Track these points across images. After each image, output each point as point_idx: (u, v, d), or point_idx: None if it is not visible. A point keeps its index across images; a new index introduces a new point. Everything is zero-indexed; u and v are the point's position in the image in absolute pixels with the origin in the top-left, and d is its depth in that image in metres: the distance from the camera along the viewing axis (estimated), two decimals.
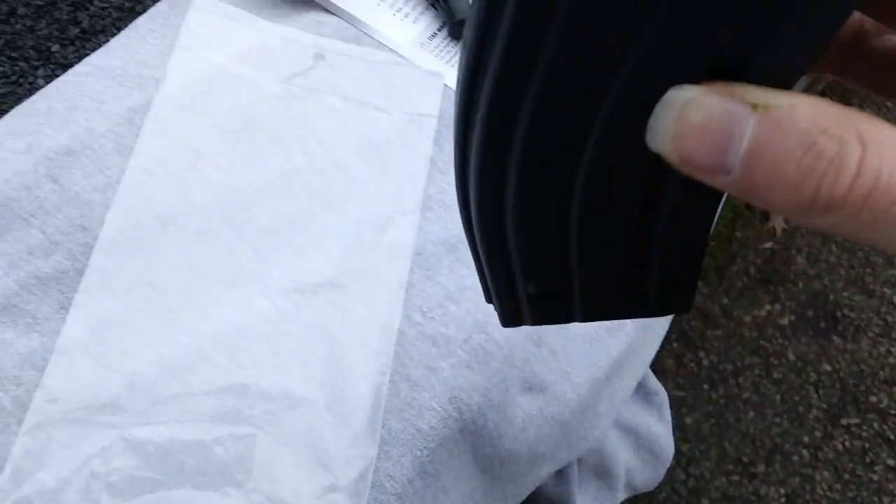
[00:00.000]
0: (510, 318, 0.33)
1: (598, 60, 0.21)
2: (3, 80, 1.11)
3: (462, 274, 0.46)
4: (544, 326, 0.47)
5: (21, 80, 1.10)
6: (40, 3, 1.26)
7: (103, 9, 1.27)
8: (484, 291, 0.33)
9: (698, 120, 0.20)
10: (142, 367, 0.41)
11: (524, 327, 0.38)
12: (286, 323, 0.43)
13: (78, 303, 0.42)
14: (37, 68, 1.12)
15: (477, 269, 0.31)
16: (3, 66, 1.13)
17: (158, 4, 0.64)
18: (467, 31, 0.22)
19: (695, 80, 0.21)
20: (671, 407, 0.74)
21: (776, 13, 0.20)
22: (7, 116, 0.57)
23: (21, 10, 1.22)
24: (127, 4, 1.29)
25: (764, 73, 0.21)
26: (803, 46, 0.21)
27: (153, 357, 0.41)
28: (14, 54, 1.16)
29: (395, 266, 0.45)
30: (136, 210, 0.46)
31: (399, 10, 0.60)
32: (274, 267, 0.45)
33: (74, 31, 1.19)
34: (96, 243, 0.45)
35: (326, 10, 0.59)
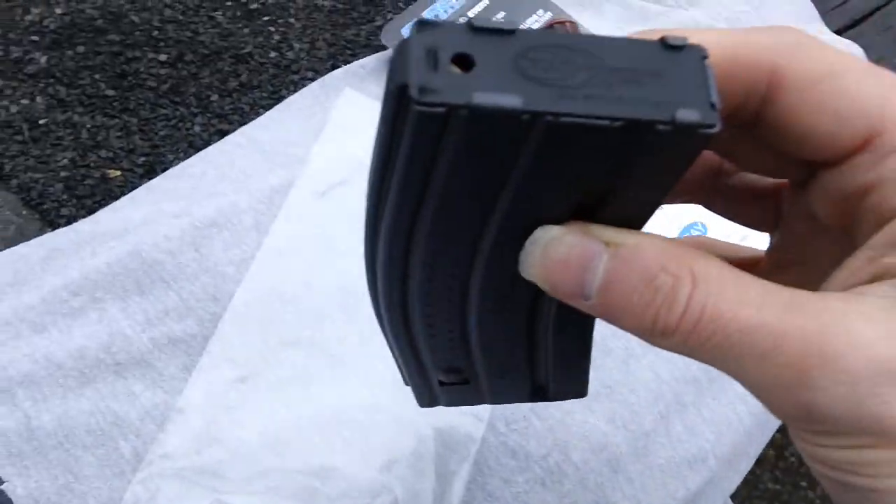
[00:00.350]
0: (426, 400, 0.38)
1: (475, 204, 0.24)
2: (164, 123, 1.22)
3: None
4: (626, 453, 0.49)
5: (180, 125, 1.21)
6: (206, 52, 1.37)
7: (262, 64, 1.37)
8: (401, 376, 0.37)
9: (560, 256, 0.24)
10: (246, 436, 0.45)
11: (605, 455, 0.41)
12: (380, 413, 0.46)
13: (200, 367, 0.47)
14: (196, 115, 1.22)
15: (393, 356, 0.35)
16: (166, 110, 1.23)
17: (312, 84, 0.69)
18: (370, 172, 0.25)
19: (559, 220, 0.24)
20: (765, 499, 0.73)
21: (625, 168, 0.23)
22: (164, 176, 0.62)
23: (188, 57, 1.33)
24: (283, 63, 1.39)
25: (618, 214, 0.24)
26: (650, 195, 0.24)
27: (258, 428, 0.45)
28: (177, 99, 1.27)
29: None
30: (263, 287, 0.50)
31: None
32: (377, 357, 0.48)
33: (234, 83, 1.29)
34: (224, 314, 0.49)
35: None
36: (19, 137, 1.19)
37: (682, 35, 0.22)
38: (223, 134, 1.24)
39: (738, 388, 0.29)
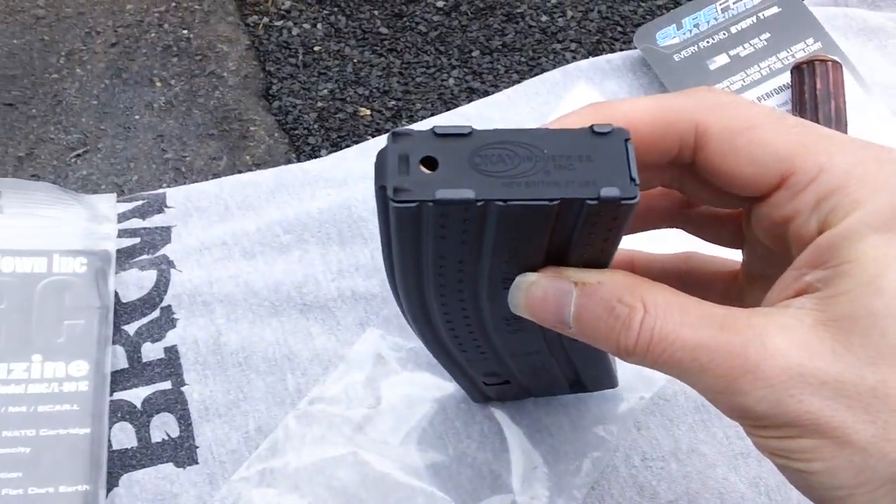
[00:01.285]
0: (477, 398, 0.47)
1: (463, 266, 0.30)
2: (423, 70, 1.27)
3: (699, 438, 0.48)
4: None
5: (437, 75, 1.25)
6: (482, 6, 1.40)
7: (530, 27, 1.38)
8: (454, 379, 0.45)
9: (539, 295, 0.30)
10: (395, 401, 0.48)
11: None
12: (531, 403, 0.48)
13: (373, 327, 0.51)
14: (454, 67, 1.26)
15: (443, 365, 0.42)
16: (429, 57, 1.28)
17: (554, 71, 0.69)
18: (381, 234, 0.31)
19: (535, 266, 0.30)
20: None
21: (574, 229, 0.28)
22: (360, 147, 0.64)
23: (463, 7, 1.37)
24: (551, 29, 1.39)
25: (582, 257, 0.30)
26: (603, 244, 0.30)
27: (403, 394, 0.48)
28: (441, 48, 1.31)
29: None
30: None
31: None
32: None
33: (498, 42, 1.31)
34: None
35: None
36: (293, 60, 1.29)
37: (608, 122, 0.27)
38: (473, 91, 1.27)
39: None
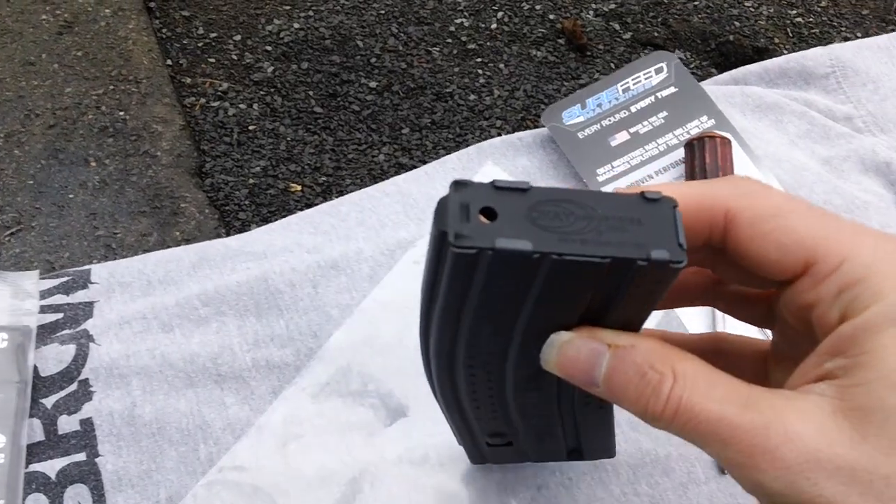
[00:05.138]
0: (476, 458, 0.48)
1: (503, 317, 0.31)
2: (355, 147, 1.32)
3: (597, 495, 0.50)
4: None
5: (367, 151, 1.30)
6: (413, 86, 1.46)
7: (459, 105, 1.44)
8: (454, 436, 0.46)
9: (572, 354, 0.31)
10: (306, 469, 0.50)
11: None
12: (427, 475, 0.50)
13: (285, 395, 0.52)
14: (384, 144, 1.31)
15: (447, 421, 0.43)
16: (361, 134, 1.33)
17: (469, 148, 0.73)
18: (423, 282, 0.32)
19: (570, 324, 0.31)
20: None
21: (617, 290, 0.29)
22: (317, 209, 0.68)
23: (395, 87, 1.43)
24: (479, 107, 1.45)
25: (617, 319, 0.31)
26: (640, 308, 0.31)
27: (318, 464, 0.50)
28: (373, 126, 1.36)
29: None
30: (359, 335, 0.55)
31: None
32: (442, 422, 0.52)
33: (427, 119, 1.37)
34: (319, 351, 0.54)
35: None
36: (227, 139, 1.33)
37: (658, 190, 0.29)
38: (402, 166, 1.31)
39: None
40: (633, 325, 0.32)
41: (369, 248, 0.61)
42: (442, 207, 0.28)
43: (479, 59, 1.58)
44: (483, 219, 0.27)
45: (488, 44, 1.62)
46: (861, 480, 0.27)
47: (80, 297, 0.59)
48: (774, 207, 0.32)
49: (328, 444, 0.51)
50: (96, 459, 0.51)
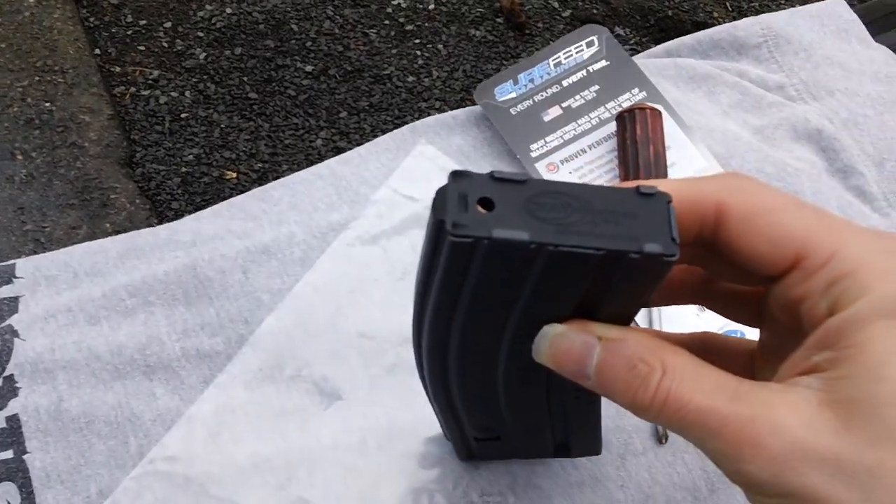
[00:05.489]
0: (463, 454, 0.48)
1: (497, 307, 0.31)
2: (292, 132, 1.30)
3: (537, 471, 0.50)
4: None
5: (304, 137, 1.28)
6: (350, 69, 1.44)
7: (397, 87, 1.43)
8: (443, 432, 0.47)
9: (565, 346, 0.32)
10: (239, 457, 0.49)
11: None
12: (365, 458, 0.49)
13: (216, 384, 0.51)
14: (322, 129, 1.29)
15: (436, 416, 0.43)
16: (297, 119, 1.31)
17: (403, 128, 0.72)
18: (418, 271, 0.32)
19: (562, 317, 0.32)
20: None
21: (610, 282, 0.30)
22: (248, 195, 0.67)
23: (332, 71, 1.41)
24: (417, 89, 1.44)
25: (609, 313, 0.32)
26: (632, 301, 0.32)
27: (250, 451, 0.49)
28: (310, 110, 1.34)
29: None
30: (291, 320, 0.54)
31: None
32: (380, 405, 0.51)
33: (365, 103, 1.36)
34: (250, 338, 0.53)
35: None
36: (159, 128, 1.30)
37: (653, 185, 0.30)
38: (340, 150, 1.30)
39: (742, 501, 0.33)
40: (624, 319, 0.32)
41: (301, 232, 0.60)
42: (440, 197, 0.28)
43: (417, 41, 1.57)
44: (481, 209, 0.28)
45: (426, 24, 1.61)
46: (846, 471, 0.28)
47: (4, 292, 0.58)
48: (765, 203, 0.32)
49: (261, 432, 0.50)
50: (24, 457, 0.49)
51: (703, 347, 0.39)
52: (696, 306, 0.58)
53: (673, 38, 0.78)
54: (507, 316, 0.32)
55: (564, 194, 0.28)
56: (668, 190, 0.31)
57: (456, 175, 0.28)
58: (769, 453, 0.28)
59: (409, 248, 0.59)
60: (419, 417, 0.51)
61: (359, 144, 0.70)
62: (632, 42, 1.72)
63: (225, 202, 0.66)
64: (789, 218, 0.32)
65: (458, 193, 0.28)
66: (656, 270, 0.29)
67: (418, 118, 1.33)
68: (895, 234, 0.32)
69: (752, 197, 0.32)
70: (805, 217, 0.32)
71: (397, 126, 1.30)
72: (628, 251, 0.28)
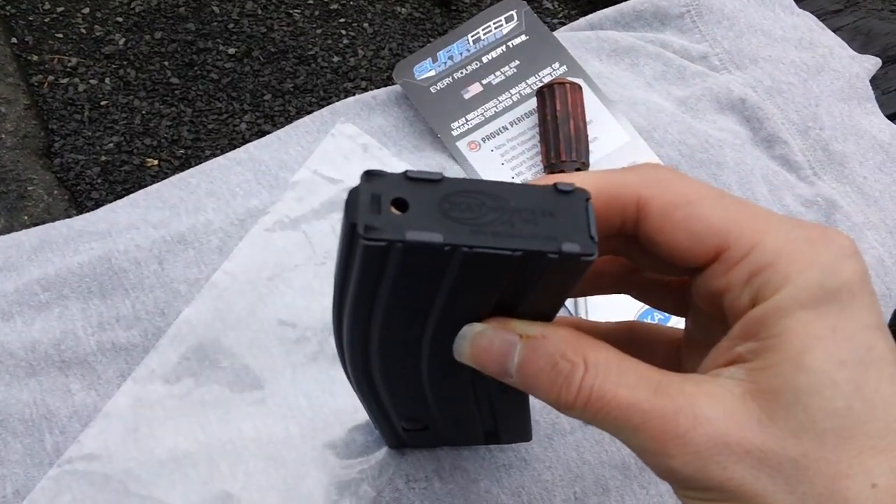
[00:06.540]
0: (393, 443, 0.48)
1: (415, 308, 0.31)
2: (216, 117, 1.27)
3: (462, 455, 0.50)
4: None
5: (228, 121, 1.25)
6: (273, 50, 1.42)
7: (322, 68, 1.41)
8: (371, 422, 0.46)
9: (485, 345, 0.31)
10: (159, 452, 0.48)
11: None
12: (288, 450, 0.48)
13: (133, 377, 0.50)
14: (246, 112, 1.27)
15: (363, 405, 0.43)
16: (221, 104, 1.28)
17: (323, 110, 0.71)
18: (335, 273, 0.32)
19: (482, 316, 0.31)
20: None
21: (529, 281, 0.29)
22: (165, 183, 0.65)
23: (255, 53, 1.38)
24: (343, 69, 1.42)
25: (530, 310, 0.31)
26: (552, 299, 0.31)
27: (171, 445, 0.48)
28: (234, 94, 1.32)
29: None
30: (209, 309, 0.53)
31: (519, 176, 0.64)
32: (304, 394, 0.51)
33: (290, 84, 1.33)
34: (168, 330, 0.52)
35: (454, 160, 0.65)
36: (78, 117, 1.26)
37: (571, 182, 0.29)
38: (265, 134, 1.27)
39: None
40: (545, 315, 0.32)
41: (219, 220, 0.59)
42: (353, 198, 0.27)
43: (342, 20, 1.55)
44: (394, 210, 0.27)
45: (351, 3, 1.59)
46: (770, 464, 0.28)
47: None
48: (684, 195, 0.32)
49: (181, 426, 0.49)
50: None
51: (630, 337, 0.39)
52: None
53: None
54: (426, 315, 0.32)
55: (480, 193, 0.28)
56: (587, 185, 0.30)
57: (369, 175, 0.27)
58: (693, 447, 0.28)
59: (331, 232, 0.58)
60: (344, 406, 0.50)
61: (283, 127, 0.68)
62: (560, 15, 1.72)
63: (142, 191, 0.64)
64: (709, 210, 0.31)
65: (371, 194, 0.27)
66: (575, 269, 0.29)
67: (344, 98, 1.32)
68: (816, 224, 0.32)
69: (671, 189, 0.32)
70: (725, 208, 0.31)
71: (323, 107, 1.28)
72: (546, 252, 0.27)
